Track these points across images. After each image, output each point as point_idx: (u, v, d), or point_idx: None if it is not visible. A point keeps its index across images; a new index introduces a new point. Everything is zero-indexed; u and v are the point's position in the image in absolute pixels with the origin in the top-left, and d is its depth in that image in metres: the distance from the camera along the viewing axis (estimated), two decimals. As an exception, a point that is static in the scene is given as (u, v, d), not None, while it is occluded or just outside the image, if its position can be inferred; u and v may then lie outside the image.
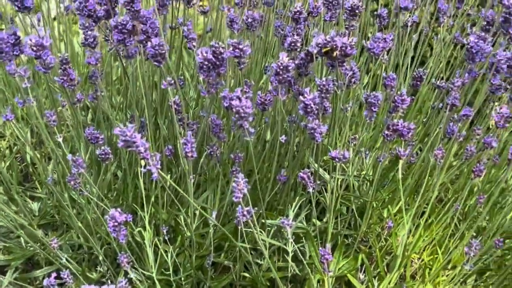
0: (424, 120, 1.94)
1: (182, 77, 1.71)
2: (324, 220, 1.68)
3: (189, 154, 1.31)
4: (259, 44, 1.91)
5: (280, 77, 1.31)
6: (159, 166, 1.17)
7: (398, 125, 1.40)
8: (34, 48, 1.26)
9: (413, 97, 2.12)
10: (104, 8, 1.45)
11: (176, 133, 1.55)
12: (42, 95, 2.15)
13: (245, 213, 1.21)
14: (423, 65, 2.46)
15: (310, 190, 1.36)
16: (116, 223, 1.25)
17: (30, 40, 1.26)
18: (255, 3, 2.05)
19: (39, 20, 1.86)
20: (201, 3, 2.68)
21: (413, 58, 2.33)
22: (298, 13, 1.49)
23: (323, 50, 1.29)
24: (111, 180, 1.68)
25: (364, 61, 2.30)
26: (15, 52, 1.30)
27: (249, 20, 1.51)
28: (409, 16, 1.92)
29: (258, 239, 1.33)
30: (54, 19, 2.61)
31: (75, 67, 2.31)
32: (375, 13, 1.71)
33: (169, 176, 1.71)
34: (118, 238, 1.27)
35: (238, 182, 1.18)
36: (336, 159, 1.36)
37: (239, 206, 1.20)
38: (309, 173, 1.38)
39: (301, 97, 1.29)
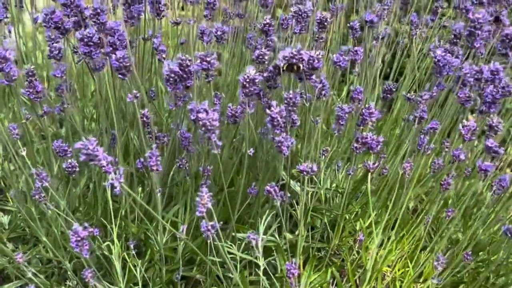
0: (399, 132, 1.95)
1: (153, 89, 1.70)
2: (296, 232, 1.67)
3: (154, 168, 1.30)
4: (238, 55, 1.91)
5: (247, 90, 1.31)
6: (122, 180, 1.17)
7: (367, 138, 1.40)
8: (-3, 60, 1.25)
9: (389, 109, 2.13)
10: (74, 19, 1.44)
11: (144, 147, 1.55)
12: (18, 106, 2.14)
13: (209, 227, 1.20)
14: (402, 75, 2.47)
15: (278, 203, 1.35)
16: (78, 238, 1.23)
17: (-7, 52, 1.25)
18: (231, 15, 2.06)
19: (10, 32, 1.85)
20: (182, 12, 2.68)
21: (391, 69, 2.34)
22: (267, 25, 1.49)
23: (284, 66, 1.29)
24: (80, 194, 1.66)
25: (341, 73, 2.31)
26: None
27: (219, 32, 1.50)
28: (385, 28, 1.93)
29: (225, 253, 1.32)
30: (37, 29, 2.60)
31: (52, 78, 2.30)
32: (347, 25, 1.71)
33: (140, 189, 1.70)
34: (81, 253, 1.25)
35: (202, 197, 1.17)
36: (304, 172, 1.35)
37: (203, 220, 1.19)
38: (277, 187, 1.37)
39: (267, 110, 1.29)
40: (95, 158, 1.12)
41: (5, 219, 1.76)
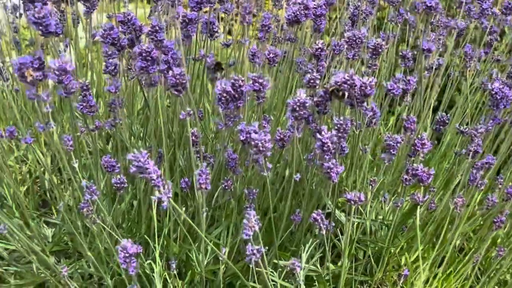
0: (447, 166, 1.89)
1: (202, 109, 1.71)
2: (339, 263, 1.63)
3: (203, 186, 1.29)
4: (283, 79, 1.91)
5: (297, 114, 1.29)
6: (170, 195, 1.16)
7: (417, 170, 1.37)
8: (57, 73, 1.27)
9: (437, 142, 2.08)
10: (129, 37, 1.46)
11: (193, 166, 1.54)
12: (66, 121, 2.18)
13: (255, 252, 1.18)
14: (451, 109, 2.42)
15: (323, 232, 1.32)
16: (127, 254, 1.21)
17: (54, 64, 1.27)
18: (280, 39, 2.06)
19: (66, 46, 1.89)
20: (230, 37, 2.71)
21: (440, 101, 2.30)
22: (319, 50, 1.48)
23: (330, 89, 1.27)
24: (125, 210, 1.67)
25: (389, 101, 2.28)
26: (38, 77, 1.31)
27: (271, 55, 1.50)
28: (437, 59, 1.90)
29: (268, 280, 1.29)
30: (86, 47, 2.67)
31: (102, 94, 2.34)
32: (400, 53, 1.68)
33: (184, 209, 1.69)
34: (128, 269, 1.24)
35: (249, 219, 1.16)
36: (352, 202, 1.32)
37: (249, 244, 1.17)
38: (323, 215, 1.34)
39: (318, 135, 1.27)
40: (145, 171, 1.12)
41: (49, 232, 1.78)
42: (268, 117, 1.56)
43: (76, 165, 1.33)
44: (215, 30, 1.58)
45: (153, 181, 1.12)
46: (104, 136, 2.08)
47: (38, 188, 2.15)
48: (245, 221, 1.15)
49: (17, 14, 2.38)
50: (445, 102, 2.22)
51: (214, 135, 1.93)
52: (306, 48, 1.74)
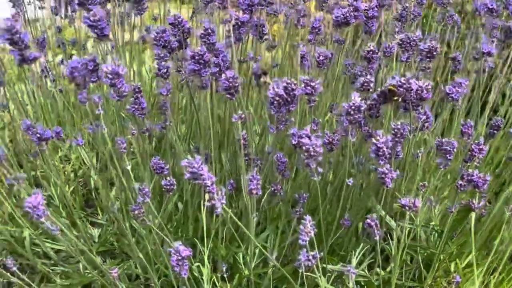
0: (497, 170, 1.85)
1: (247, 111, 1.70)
2: (388, 269, 1.60)
3: (254, 191, 1.28)
4: (327, 81, 1.89)
5: (351, 118, 1.28)
6: (224, 201, 1.15)
7: (473, 175, 1.33)
8: (110, 76, 1.27)
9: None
10: (177, 39, 1.46)
11: (238, 167, 1.54)
12: (108, 121, 2.19)
13: (310, 257, 1.17)
14: (496, 113, 2.37)
15: (377, 238, 1.30)
16: (180, 257, 1.21)
17: (107, 68, 1.27)
18: (324, 40, 2.04)
19: (113, 47, 1.90)
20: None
21: (484, 104, 2.25)
22: (371, 52, 1.46)
23: (389, 88, 1.25)
24: (171, 211, 1.67)
25: (432, 104, 2.24)
26: (92, 79, 1.31)
27: (321, 58, 1.49)
28: (484, 61, 1.85)
29: (320, 285, 1.28)
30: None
31: (144, 94, 2.35)
32: (450, 56, 1.65)
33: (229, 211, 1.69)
34: (180, 273, 1.23)
35: (305, 225, 1.14)
36: (406, 207, 1.30)
37: (304, 250, 1.16)
38: (377, 220, 1.32)
39: (373, 140, 1.25)
40: (199, 177, 1.11)
41: (95, 232, 1.79)
42: (317, 120, 1.54)
43: (129, 167, 1.34)
44: (265, 32, 1.57)
45: (207, 188, 1.11)
46: (146, 136, 2.09)
47: (81, 187, 2.17)
48: (301, 227, 1.14)
49: (62, 15, 2.41)
50: (492, 106, 2.16)
51: (259, 137, 1.92)
52: (357, 50, 1.72)
